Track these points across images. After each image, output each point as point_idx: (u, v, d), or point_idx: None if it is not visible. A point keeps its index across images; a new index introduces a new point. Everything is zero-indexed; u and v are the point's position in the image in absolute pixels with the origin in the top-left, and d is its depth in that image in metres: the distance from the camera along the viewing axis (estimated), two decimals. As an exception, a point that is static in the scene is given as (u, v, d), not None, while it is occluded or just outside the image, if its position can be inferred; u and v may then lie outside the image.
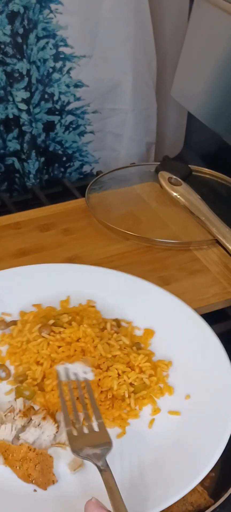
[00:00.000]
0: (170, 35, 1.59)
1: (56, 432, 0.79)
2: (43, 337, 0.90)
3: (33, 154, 1.48)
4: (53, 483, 0.75)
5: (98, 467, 0.71)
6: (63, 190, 1.45)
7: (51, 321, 0.92)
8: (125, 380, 0.86)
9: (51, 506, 0.72)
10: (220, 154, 1.47)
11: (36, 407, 0.82)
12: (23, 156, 1.48)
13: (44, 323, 0.92)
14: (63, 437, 0.78)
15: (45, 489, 0.74)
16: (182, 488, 0.73)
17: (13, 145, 1.48)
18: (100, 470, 0.71)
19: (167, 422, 0.83)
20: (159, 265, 1.15)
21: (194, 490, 0.78)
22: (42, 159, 1.52)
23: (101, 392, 0.84)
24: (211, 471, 0.83)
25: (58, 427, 0.79)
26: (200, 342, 0.92)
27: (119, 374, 0.86)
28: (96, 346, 0.88)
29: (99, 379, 0.85)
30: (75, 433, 0.77)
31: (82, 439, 0.76)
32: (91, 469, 0.74)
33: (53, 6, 1.40)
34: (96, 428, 0.78)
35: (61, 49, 1.44)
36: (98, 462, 0.72)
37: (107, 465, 0.72)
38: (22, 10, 1.36)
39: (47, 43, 1.43)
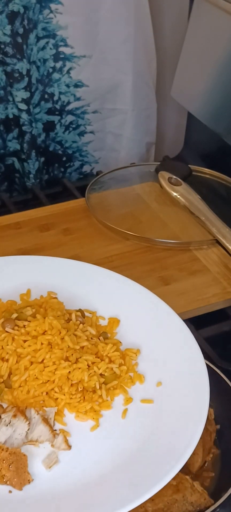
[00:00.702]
0: (170, 35, 1.59)
1: (28, 429, 0.77)
2: (7, 332, 0.87)
3: (33, 154, 1.48)
4: (29, 482, 0.73)
5: None
6: (63, 190, 1.45)
7: (15, 315, 0.89)
8: (95, 371, 0.84)
9: (28, 506, 0.71)
10: (220, 154, 1.47)
11: (4, 405, 0.80)
12: (23, 156, 1.48)
13: (6, 318, 0.88)
14: (36, 434, 0.77)
15: (20, 489, 0.72)
16: (162, 477, 0.72)
17: (13, 145, 1.48)
18: None
19: (141, 411, 0.81)
20: (159, 265, 1.15)
21: (194, 490, 0.78)
22: (42, 159, 1.52)
23: (72, 385, 0.83)
24: (211, 471, 0.83)
25: (29, 424, 0.78)
26: (166, 328, 0.91)
27: (88, 366, 0.84)
28: (63, 338, 0.86)
29: (69, 372, 0.83)
30: None
31: None
32: (67, 463, 0.74)
33: (53, 6, 1.40)
34: None
35: (61, 49, 1.44)
36: None
37: None
38: (22, 10, 1.36)
39: (47, 43, 1.43)
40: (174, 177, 1.35)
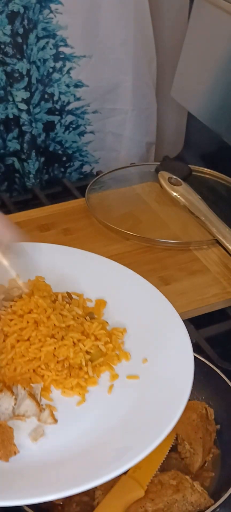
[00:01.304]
0: (170, 35, 1.59)
1: (14, 404, 0.78)
2: None
3: (33, 154, 1.48)
4: (15, 453, 0.74)
5: None
6: (63, 190, 1.45)
7: (2, 296, 0.90)
8: (80, 348, 0.85)
9: (14, 477, 0.72)
10: (220, 154, 1.47)
11: None
12: (23, 156, 1.48)
13: None
14: (22, 409, 0.78)
15: (7, 460, 0.73)
16: (145, 449, 0.72)
17: (13, 145, 1.48)
18: None
19: (127, 386, 0.83)
20: (159, 265, 1.15)
21: (194, 490, 0.78)
22: (42, 159, 1.52)
23: (58, 362, 0.83)
24: (211, 471, 0.83)
25: (16, 399, 0.79)
26: (151, 307, 0.92)
27: (74, 343, 0.85)
28: (49, 317, 0.87)
29: (55, 348, 0.84)
30: None
31: None
32: (53, 437, 0.75)
33: (53, 6, 1.40)
34: None
35: (61, 49, 1.44)
36: None
37: None
38: (22, 10, 1.36)
39: (47, 43, 1.43)
40: (174, 177, 1.35)
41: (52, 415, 0.78)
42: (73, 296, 0.95)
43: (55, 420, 0.78)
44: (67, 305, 0.91)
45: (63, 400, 0.81)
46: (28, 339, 0.85)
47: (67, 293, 0.94)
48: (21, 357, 0.83)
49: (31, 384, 0.82)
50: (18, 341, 0.85)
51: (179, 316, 0.89)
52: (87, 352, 0.86)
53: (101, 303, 0.95)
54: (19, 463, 0.73)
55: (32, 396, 0.79)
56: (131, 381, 0.83)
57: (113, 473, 0.70)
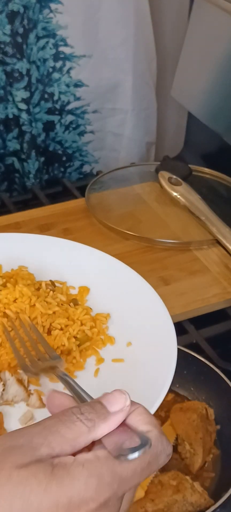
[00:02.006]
0: (170, 35, 1.59)
1: (3, 390, 0.79)
2: None
3: (33, 154, 1.47)
4: None
5: (58, 376, 0.73)
6: (63, 190, 1.44)
7: None
8: (70, 333, 0.86)
9: None
10: (220, 154, 1.47)
11: None
12: (23, 156, 1.48)
13: None
14: (10, 395, 0.79)
15: None
16: None
17: (13, 145, 1.48)
18: (61, 378, 0.72)
19: (112, 370, 0.84)
20: (159, 265, 1.15)
21: (194, 490, 0.78)
22: (42, 159, 1.52)
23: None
24: (211, 471, 0.83)
25: (4, 385, 0.79)
26: (134, 292, 0.93)
27: (61, 329, 0.86)
28: (34, 305, 0.87)
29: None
30: (28, 363, 0.79)
31: (36, 363, 0.79)
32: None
33: (53, 5, 1.40)
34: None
35: (61, 48, 1.44)
36: (55, 372, 0.74)
37: (65, 373, 0.73)
38: (22, 10, 1.36)
39: (47, 42, 1.42)
40: (174, 177, 1.35)
41: (41, 400, 0.79)
42: (57, 284, 0.95)
43: (44, 404, 0.78)
44: (51, 292, 0.92)
45: (51, 385, 0.81)
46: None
47: (51, 281, 0.95)
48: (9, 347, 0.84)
49: (18, 371, 0.82)
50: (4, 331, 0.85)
51: (161, 300, 0.90)
52: (74, 337, 0.87)
53: (84, 290, 0.95)
54: None
55: (20, 381, 0.80)
56: (116, 364, 0.84)
57: None
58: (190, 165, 1.42)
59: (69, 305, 0.91)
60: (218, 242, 1.20)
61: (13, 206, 1.36)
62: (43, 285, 0.93)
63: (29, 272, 0.96)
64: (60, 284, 0.96)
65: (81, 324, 0.88)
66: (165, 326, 0.86)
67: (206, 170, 1.42)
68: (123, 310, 0.91)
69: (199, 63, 1.47)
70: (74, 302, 0.92)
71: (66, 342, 0.85)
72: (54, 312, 0.88)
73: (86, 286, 0.96)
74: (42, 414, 0.77)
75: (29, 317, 0.87)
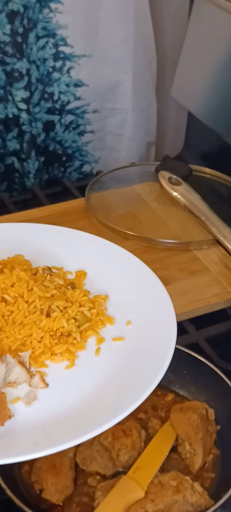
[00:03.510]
0: (170, 35, 1.59)
1: (5, 372, 0.80)
2: None
3: (33, 153, 1.47)
4: (10, 417, 0.76)
5: None
6: (63, 190, 1.44)
7: None
8: (69, 315, 0.87)
9: (10, 439, 0.74)
10: (220, 154, 1.47)
11: None
12: (23, 156, 1.48)
13: None
14: (13, 376, 0.80)
15: (2, 424, 0.75)
16: (131, 404, 0.75)
17: (13, 145, 1.48)
18: None
19: (113, 348, 0.86)
20: (159, 265, 1.15)
21: (194, 490, 0.78)
22: (42, 158, 1.52)
23: (50, 334, 0.86)
24: (211, 471, 0.83)
25: (6, 367, 0.81)
26: (131, 273, 0.95)
27: (60, 311, 0.87)
28: (32, 289, 0.88)
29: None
30: None
31: None
32: (46, 399, 0.78)
33: (53, 5, 1.40)
34: None
35: (61, 48, 1.44)
36: None
37: None
38: (22, 10, 1.36)
39: (47, 42, 1.42)
40: (174, 177, 1.35)
41: (43, 380, 0.81)
42: (54, 270, 0.96)
43: (46, 384, 0.81)
44: (48, 276, 0.93)
45: (52, 366, 0.84)
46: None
47: (47, 266, 0.96)
48: (9, 328, 0.85)
49: (19, 353, 0.84)
50: (3, 316, 0.87)
51: (159, 279, 0.92)
52: (74, 319, 0.88)
53: (81, 274, 0.97)
54: (14, 425, 0.76)
55: (22, 363, 0.82)
56: (117, 343, 0.86)
57: (106, 424, 0.73)
58: (190, 165, 1.42)
59: (67, 288, 0.91)
60: (218, 242, 1.20)
61: (13, 206, 1.36)
62: (40, 270, 0.94)
63: (25, 259, 0.97)
64: (57, 270, 0.97)
65: (80, 306, 0.89)
66: (163, 302, 0.88)
67: (206, 170, 1.42)
68: (120, 291, 0.93)
69: (199, 63, 1.47)
70: (72, 285, 0.93)
71: (65, 324, 0.86)
72: (52, 295, 0.89)
73: (83, 270, 0.97)
74: (46, 394, 0.80)
75: (27, 301, 0.87)
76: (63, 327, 0.86)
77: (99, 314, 0.90)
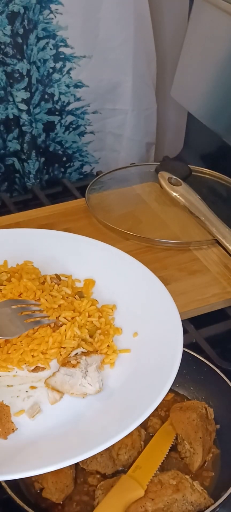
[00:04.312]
0: (170, 35, 1.59)
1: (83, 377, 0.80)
2: None
3: (33, 154, 1.48)
4: (13, 431, 0.75)
5: None
6: (63, 190, 1.45)
7: None
8: (78, 323, 0.87)
9: (14, 453, 0.73)
10: (220, 154, 1.48)
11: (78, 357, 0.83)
12: (23, 156, 1.48)
13: None
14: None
15: (5, 438, 0.74)
16: (139, 416, 0.74)
17: (13, 145, 1.48)
18: None
19: (119, 360, 0.85)
20: (159, 265, 1.16)
21: (194, 489, 0.78)
22: (42, 159, 1.52)
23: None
24: (211, 470, 0.83)
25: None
26: (139, 283, 0.94)
27: (68, 321, 0.87)
28: (39, 299, 0.88)
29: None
30: None
31: None
32: (50, 413, 0.78)
33: (53, 6, 1.40)
34: None
35: (61, 49, 1.44)
36: None
37: None
38: (22, 11, 1.36)
39: (47, 43, 1.43)
40: (174, 177, 1.35)
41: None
42: (62, 278, 0.96)
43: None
44: (56, 285, 0.92)
45: None
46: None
47: (56, 275, 0.95)
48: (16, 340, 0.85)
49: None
50: None
51: (166, 289, 0.92)
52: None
53: (90, 282, 0.96)
54: (17, 439, 0.75)
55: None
56: (123, 355, 0.86)
57: (114, 439, 0.72)
58: (189, 166, 1.42)
59: (75, 298, 0.90)
60: (218, 242, 1.20)
61: (14, 206, 1.37)
62: (48, 278, 0.93)
63: (34, 267, 0.97)
64: (66, 277, 0.96)
65: (89, 316, 0.89)
66: (171, 315, 0.87)
67: (206, 170, 1.42)
68: (128, 300, 0.92)
69: (198, 63, 1.47)
70: (80, 294, 0.92)
71: (78, 331, 0.85)
72: (59, 306, 0.88)
73: (91, 279, 0.96)
74: (49, 406, 0.79)
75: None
76: (78, 335, 0.85)
77: (107, 324, 0.89)
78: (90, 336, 0.86)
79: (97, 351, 0.84)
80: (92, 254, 1.01)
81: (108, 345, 0.85)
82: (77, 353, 0.83)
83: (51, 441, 0.74)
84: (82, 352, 0.83)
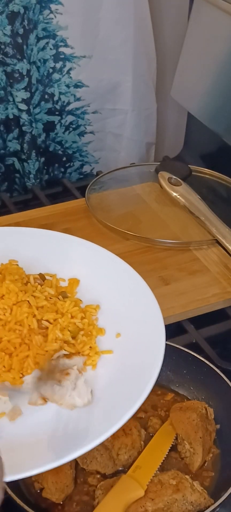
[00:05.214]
0: (170, 35, 1.59)
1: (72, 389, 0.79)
2: None
3: (33, 154, 1.48)
4: None
5: None
6: (63, 190, 1.45)
7: None
8: (61, 325, 0.86)
9: None
10: (220, 154, 1.48)
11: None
12: (23, 156, 1.48)
13: None
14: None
15: None
16: (121, 417, 0.73)
17: (13, 145, 1.48)
18: None
19: (101, 361, 0.84)
20: (159, 265, 1.16)
21: (194, 489, 0.78)
22: (42, 159, 1.52)
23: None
24: (211, 470, 0.83)
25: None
26: (124, 283, 0.93)
27: (50, 323, 0.86)
28: (22, 301, 0.87)
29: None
30: None
31: None
32: (30, 415, 0.76)
33: (53, 6, 1.40)
34: None
35: (61, 49, 1.44)
36: None
37: None
38: (22, 11, 1.36)
39: (47, 43, 1.43)
40: (174, 177, 1.35)
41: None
42: (47, 277, 0.95)
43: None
44: (39, 286, 0.91)
45: None
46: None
47: (40, 274, 0.95)
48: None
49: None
50: None
51: (150, 290, 0.91)
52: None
53: (74, 282, 0.95)
54: None
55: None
56: (105, 356, 0.85)
57: (96, 440, 0.71)
58: (189, 166, 1.42)
59: (58, 298, 0.90)
60: (218, 242, 1.21)
61: (14, 206, 1.37)
62: (31, 279, 0.93)
63: (18, 267, 0.96)
64: (51, 276, 0.95)
65: (72, 317, 0.88)
66: (153, 316, 0.86)
67: (206, 170, 1.42)
68: (112, 300, 0.91)
69: (198, 63, 1.47)
70: (63, 294, 0.92)
71: (60, 334, 0.85)
72: (42, 307, 0.88)
73: (76, 278, 0.96)
74: (30, 408, 0.78)
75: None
76: (59, 337, 0.85)
77: (91, 324, 0.88)
78: (73, 338, 0.86)
79: (79, 353, 0.84)
80: (77, 253, 1.00)
81: (90, 347, 0.85)
82: (59, 355, 0.82)
83: (32, 444, 0.73)
84: (64, 354, 0.83)
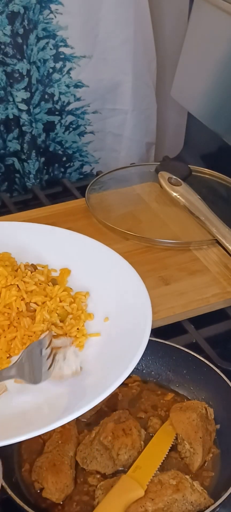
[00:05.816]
0: (170, 35, 1.59)
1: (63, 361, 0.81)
2: None
3: (33, 154, 1.48)
4: None
5: None
6: (63, 190, 1.45)
7: None
8: (49, 307, 0.87)
9: None
10: (220, 154, 1.48)
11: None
12: (23, 156, 1.48)
13: None
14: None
15: None
16: (107, 387, 0.76)
17: (13, 145, 1.48)
18: None
19: (89, 342, 0.86)
20: (159, 265, 1.16)
21: (194, 489, 0.78)
22: (42, 159, 1.52)
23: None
24: (211, 470, 0.83)
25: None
26: (113, 271, 0.96)
27: (38, 305, 0.88)
28: (11, 284, 0.88)
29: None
30: None
31: None
32: (16, 392, 0.78)
33: (53, 6, 1.40)
34: None
35: (61, 49, 1.44)
36: None
37: None
38: (22, 11, 1.36)
39: (47, 43, 1.43)
40: (174, 177, 1.35)
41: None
42: (39, 268, 0.97)
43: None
44: (29, 272, 0.93)
45: None
46: None
47: (32, 264, 0.96)
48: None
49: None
50: None
51: (139, 276, 0.93)
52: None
53: (65, 271, 0.97)
54: None
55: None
56: (92, 338, 0.87)
57: (79, 411, 0.73)
58: (189, 166, 1.42)
59: (48, 285, 0.91)
60: (218, 242, 1.21)
61: (14, 206, 1.37)
62: (22, 266, 0.94)
63: (10, 256, 0.97)
64: (42, 267, 0.97)
65: (60, 301, 0.90)
66: (141, 299, 0.88)
67: (206, 170, 1.42)
68: (102, 287, 0.94)
69: (198, 63, 1.47)
70: (53, 282, 0.93)
71: (48, 316, 0.85)
72: (31, 291, 0.88)
73: (67, 268, 0.97)
74: (14, 385, 0.79)
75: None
76: (47, 319, 0.86)
77: (80, 310, 0.90)
78: (62, 321, 0.87)
79: (66, 334, 0.85)
80: (69, 245, 1.02)
81: (78, 329, 0.86)
82: (46, 335, 0.83)
83: (16, 417, 0.76)
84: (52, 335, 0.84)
